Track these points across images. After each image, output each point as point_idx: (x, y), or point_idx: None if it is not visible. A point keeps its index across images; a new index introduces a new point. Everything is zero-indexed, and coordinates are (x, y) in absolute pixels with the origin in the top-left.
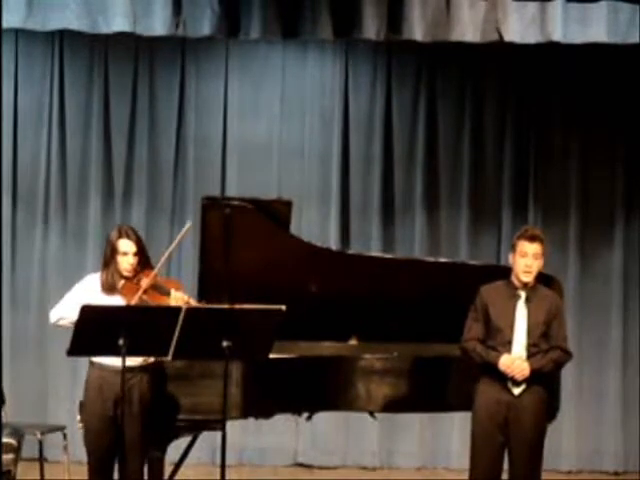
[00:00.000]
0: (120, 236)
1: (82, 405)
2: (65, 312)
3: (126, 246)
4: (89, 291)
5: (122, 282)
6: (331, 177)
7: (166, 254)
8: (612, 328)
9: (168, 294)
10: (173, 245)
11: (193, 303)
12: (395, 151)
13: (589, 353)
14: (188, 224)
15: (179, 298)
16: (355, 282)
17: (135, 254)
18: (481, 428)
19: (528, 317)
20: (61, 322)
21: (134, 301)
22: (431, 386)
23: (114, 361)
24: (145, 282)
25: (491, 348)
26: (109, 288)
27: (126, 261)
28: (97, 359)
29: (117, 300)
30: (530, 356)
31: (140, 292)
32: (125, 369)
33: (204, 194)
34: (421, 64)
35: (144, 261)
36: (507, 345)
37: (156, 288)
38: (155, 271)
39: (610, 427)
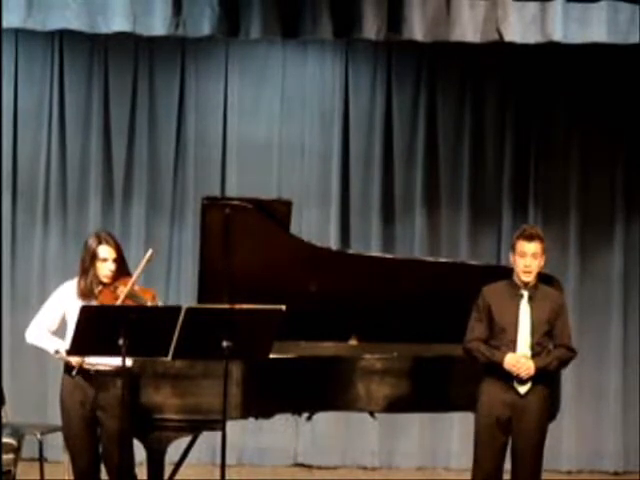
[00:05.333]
0: (100, 242)
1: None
2: (41, 335)
3: (106, 252)
4: (65, 298)
5: (99, 288)
6: (331, 177)
7: (134, 277)
8: (612, 328)
9: (143, 303)
10: (138, 270)
11: None
12: (395, 151)
13: (589, 353)
14: (149, 252)
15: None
16: (355, 282)
17: (115, 260)
18: (485, 428)
19: (531, 316)
20: (37, 344)
21: None
22: (431, 386)
23: (88, 365)
24: (123, 290)
25: (495, 348)
26: (86, 294)
27: (106, 267)
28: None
29: None
30: (534, 355)
31: (119, 301)
32: (99, 373)
33: (204, 194)
34: (421, 64)
35: (122, 268)
36: (511, 344)
37: (132, 297)
38: (133, 279)
39: (610, 427)
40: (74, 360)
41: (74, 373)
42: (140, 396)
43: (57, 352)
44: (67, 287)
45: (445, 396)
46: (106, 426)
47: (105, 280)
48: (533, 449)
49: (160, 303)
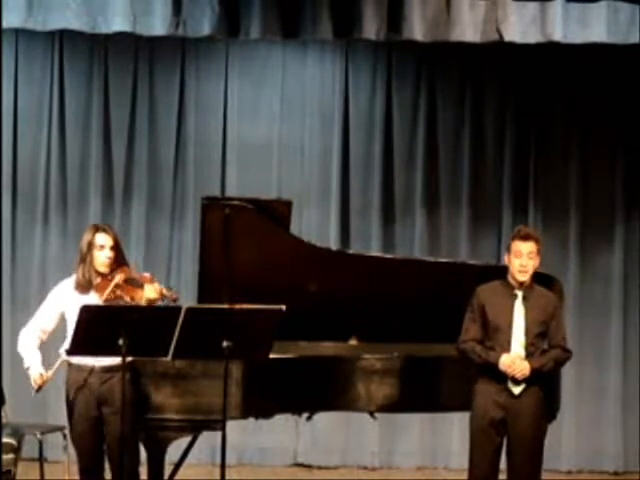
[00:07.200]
0: (97, 231)
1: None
2: (25, 345)
3: (103, 239)
4: (63, 296)
5: (98, 279)
6: (331, 177)
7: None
8: (612, 328)
9: (141, 287)
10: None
11: (166, 293)
12: (395, 151)
13: (589, 353)
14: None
15: (152, 289)
16: (355, 282)
17: (112, 248)
18: (479, 428)
19: (526, 316)
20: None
21: (106, 295)
22: (431, 386)
23: (92, 361)
24: (118, 277)
25: (489, 348)
26: (84, 285)
27: (103, 255)
28: (75, 360)
29: (92, 298)
30: (529, 355)
31: (111, 285)
32: (103, 369)
33: (204, 194)
34: (421, 64)
35: (120, 259)
36: (506, 345)
37: (130, 282)
38: (128, 267)
39: (610, 427)
40: (35, 382)
41: (33, 394)
42: (141, 396)
43: (27, 369)
44: (64, 285)
45: (445, 396)
46: (111, 424)
47: (102, 269)
48: (528, 450)
49: (157, 284)
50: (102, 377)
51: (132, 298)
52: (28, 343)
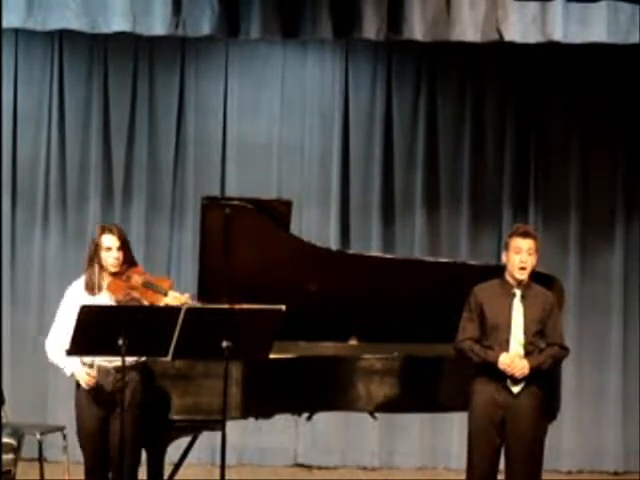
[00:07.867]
0: (103, 232)
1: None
2: (60, 355)
3: (109, 241)
4: (76, 297)
5: (109, 279)
6: (331, 177)
7: None
8: (612, 328)
9: (165, 294)
10: None
11: (190, 302)
12: (395, 151)
13: (589, 353)
14: None
15: (177, 297)
16: (355, 282)
17: (119, 249)
18: (478, 428)
19: (524, 315)
20: (56, 363)
21: (121, 296)
22: (431, 386)
23: (103, 361)
24: (136, 279)
25: (488, 347)
26: (93, 287)
27: (111, 256)
28: (87, 360)
29: (102, 298)
30: (527, 354)
31: (127, 287)
32: (116, 369)
33: (204, 194)
34: (421, 64)
35: (129, 258)
36: (505, 343)
37: (149, 286)
38: (138, 267)
39: (610, 427)
40: (87, 383)
41: (87, 389)
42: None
43: (72, 375)
44: (75, 287)
45: (445, 396)
46: (119, 425)
47: (112, 269)
48: (528, 450)
49: (179, 294)
50: (115, 377)
51: (152, 304)
52: (60, 351)
